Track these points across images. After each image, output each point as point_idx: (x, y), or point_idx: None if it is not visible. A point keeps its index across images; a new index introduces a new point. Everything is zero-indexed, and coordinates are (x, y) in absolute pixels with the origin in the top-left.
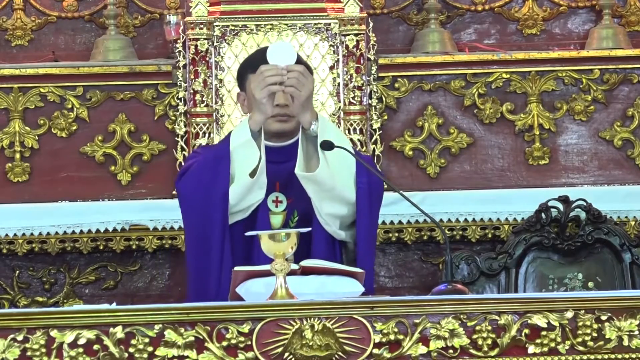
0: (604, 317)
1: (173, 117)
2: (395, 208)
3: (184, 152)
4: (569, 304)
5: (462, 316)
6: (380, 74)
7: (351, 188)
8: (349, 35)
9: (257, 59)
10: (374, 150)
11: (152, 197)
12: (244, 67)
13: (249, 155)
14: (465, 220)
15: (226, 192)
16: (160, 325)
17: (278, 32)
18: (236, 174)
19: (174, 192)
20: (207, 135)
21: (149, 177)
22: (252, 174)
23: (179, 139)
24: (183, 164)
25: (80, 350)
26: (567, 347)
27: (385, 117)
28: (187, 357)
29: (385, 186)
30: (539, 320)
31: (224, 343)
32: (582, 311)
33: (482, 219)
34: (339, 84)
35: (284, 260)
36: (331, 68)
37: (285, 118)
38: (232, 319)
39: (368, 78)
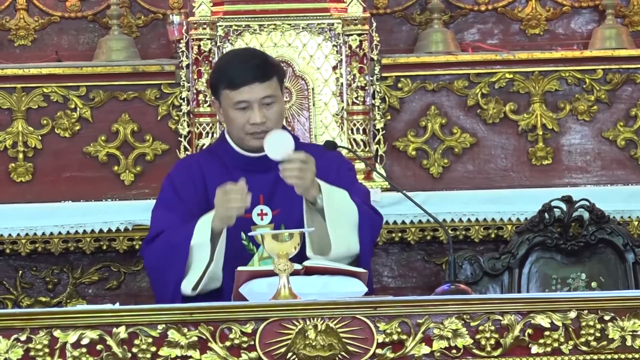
0: (607, 317)
1: (176, 117)
2: (398, 208)
3: (187, 152)
4: (572, 304)
5: (465, 316)
6: (384, 74)
7: (355, 243)
8: (352, 35)
9: (229, 72)
10: (377, 150)
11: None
12: (217, 78)
13: (202, 258)
14: (469, 220)
15: (178, 282)
16: (164, 326)
17: (281, 32)
18: (192, 269)
19: None
20: (210, 135)
21: (152, 177)
22: (195, 287)
23: (182, 139)
24: None
25: (84, 350)
26: (570, 347)
27: (389, 117)
28: (190, 357)
29: (389, 186)
30: (542, 320)
31: (227, 343)
32: (586, 311)
33: (485, 219)
34: (342, 84)
35: (287, 260)
36: (334, 68)
37: (262, 135)
38: (235, 319)
39: (371, 78)
